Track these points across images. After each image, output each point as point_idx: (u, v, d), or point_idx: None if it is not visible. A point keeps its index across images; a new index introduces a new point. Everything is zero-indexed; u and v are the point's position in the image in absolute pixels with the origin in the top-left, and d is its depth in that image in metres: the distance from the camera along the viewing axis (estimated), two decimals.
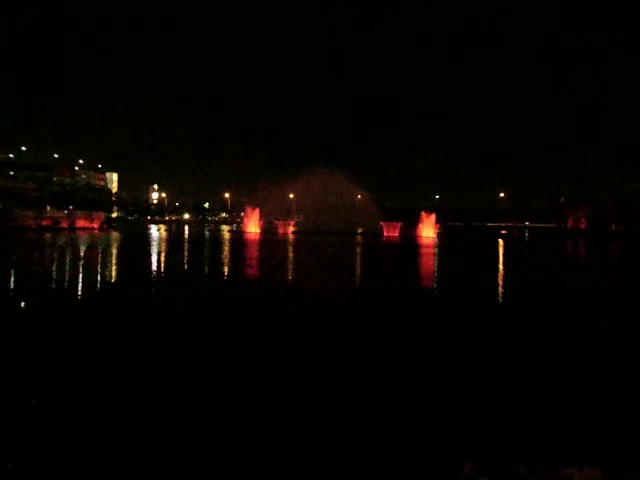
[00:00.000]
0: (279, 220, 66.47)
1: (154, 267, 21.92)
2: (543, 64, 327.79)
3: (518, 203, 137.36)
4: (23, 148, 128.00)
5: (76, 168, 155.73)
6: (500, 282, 18.20)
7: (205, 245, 41.52)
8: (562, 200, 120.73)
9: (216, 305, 12.39)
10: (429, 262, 27.75)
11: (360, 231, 63.96)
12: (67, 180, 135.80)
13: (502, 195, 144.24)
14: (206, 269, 22.22)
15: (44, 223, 66.87)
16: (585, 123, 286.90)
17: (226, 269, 22.12)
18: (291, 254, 32.12)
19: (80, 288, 15.03)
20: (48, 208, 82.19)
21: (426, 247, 40.81)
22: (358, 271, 22.82)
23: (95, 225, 74.33)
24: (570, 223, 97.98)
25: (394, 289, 15.97)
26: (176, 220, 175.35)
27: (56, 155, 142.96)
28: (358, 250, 36.79)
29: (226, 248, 37.04)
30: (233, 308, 11.97)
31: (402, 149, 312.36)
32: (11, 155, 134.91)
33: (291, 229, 64.98)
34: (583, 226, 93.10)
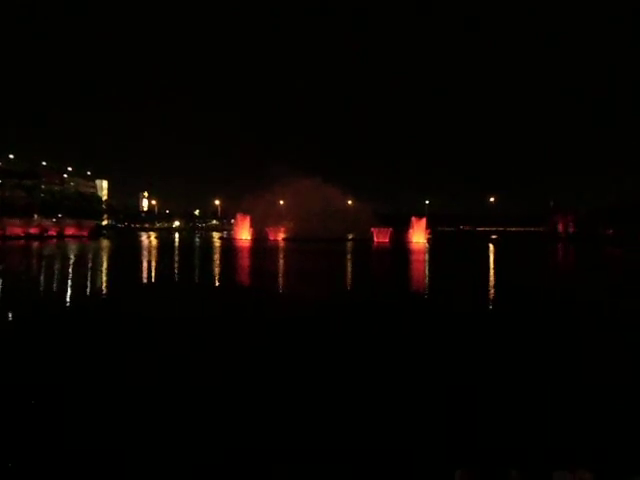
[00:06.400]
0: (269, 227, 66.35)
1: (144, 276, 21.74)
2: (537, 66, 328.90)
3: (508, 207, 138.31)
4: (11, 156, 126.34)
5: (65, 175, 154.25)
6: (491, 289, 18.23)
7: (195, 253, 41.29)
8: (551, 204, 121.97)
9: (210, 313, 12.26)
10: (420, 268, 27.79)
11: (350, 237, 63.97)
12: (56, 188, 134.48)
13: (492, 200, 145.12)
14: (197, 277, 22.06)
15: (32, 231, 66.20)
16: (578, 126, 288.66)
17: (218, 276, 21.97)
18: (282, 260, 32.02)
19: (63, 298, 14.80)
20: (36, 216, 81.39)
21: (417, 253, 40.88)
22: (350, 278, 22.78)
23: (84, 233, 73.68)
24: (559, 227, 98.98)
25: (387, 296, 15.95)
26: (166, 227, 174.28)
27: (44, 162, 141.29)
28: (349, 257, 36.78)
29: (217, 256, 36.85)
30: (230, 316, 11.85)
31: (391, 153, 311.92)
32: None
33: (282, 236, 64.90)
34: (572, 230, 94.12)
